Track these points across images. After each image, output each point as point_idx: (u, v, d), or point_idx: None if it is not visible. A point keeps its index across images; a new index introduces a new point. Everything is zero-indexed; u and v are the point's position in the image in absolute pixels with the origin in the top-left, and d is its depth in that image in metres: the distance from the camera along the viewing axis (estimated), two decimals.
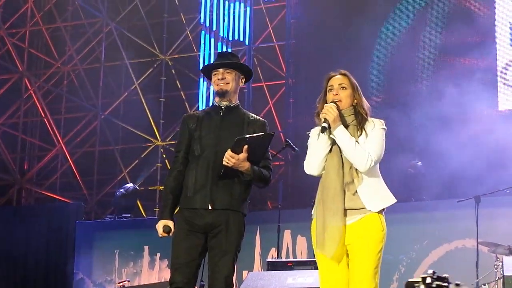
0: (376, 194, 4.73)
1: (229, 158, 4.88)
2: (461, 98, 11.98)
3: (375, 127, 4.87)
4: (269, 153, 5.25)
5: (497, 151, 11.93)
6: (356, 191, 4.67)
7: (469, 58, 12.48)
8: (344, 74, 4.93)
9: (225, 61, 5.30)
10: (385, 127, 4.95)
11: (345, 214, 4.63)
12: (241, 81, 5.33)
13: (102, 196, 15.04)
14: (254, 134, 5.09)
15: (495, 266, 8.68)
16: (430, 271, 3.06)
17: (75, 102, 15.79)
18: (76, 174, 15.31)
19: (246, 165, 4.94)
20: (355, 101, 4.87)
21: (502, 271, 7.59)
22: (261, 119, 5.37)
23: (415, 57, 13.15)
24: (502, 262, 7.76)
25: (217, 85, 5.17)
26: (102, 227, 13.24)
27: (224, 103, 5.16)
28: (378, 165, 4.84)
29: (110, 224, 13.18)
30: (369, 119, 4.93)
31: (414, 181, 12.11)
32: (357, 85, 4.98)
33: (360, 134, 4.81)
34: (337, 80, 4.86)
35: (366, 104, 4.97)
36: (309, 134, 4.79)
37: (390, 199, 4.77)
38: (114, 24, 15.29)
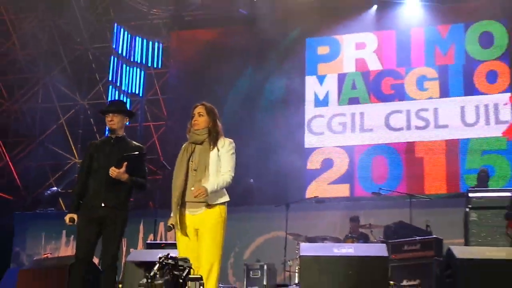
0: (215, 193, 5.16)
1: (112, 171, 5.67)
2: (280, 136, 13.38)
3: (225, 145, 5.33)
4: (146, 169, 5.95)
5: (300, 175, 13.66)
6: None
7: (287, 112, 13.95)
8: (202, 104, 5.47)
9: (113, 108, 6.05)
10: (234, 144, 5.38)
11: (194, 207, 5.18)
12: (126, 120, 6.04)
13: (34, 195, 15.31)
14: (130, 154, 5.83)
15: (296, 249, 9.28)
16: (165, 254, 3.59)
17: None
18: (18, 181, 15.83)
19: (125, 176, 5.70)
20: (210, 124, 5.37)
21: (300, 252, 7.60)
22: (140, 145, 6.11)
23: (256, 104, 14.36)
24: (300, 247, 7.88)
25: (108, 124, 6.01)
26: (33, 217, 13.70)
27: (113, 136, 5.98)
28: (222, 171, 5.26)
29: (39, 215, 13.69)
30: (221, 138, 5.38)
31: (249, 192, 13.40)
32: (213, 112, 5.44)
33: (213, 149, 5.28)
34: (197, 109, 5.43)
35: (219, 127, 5.41)
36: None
37: (225, 198, 5.25)
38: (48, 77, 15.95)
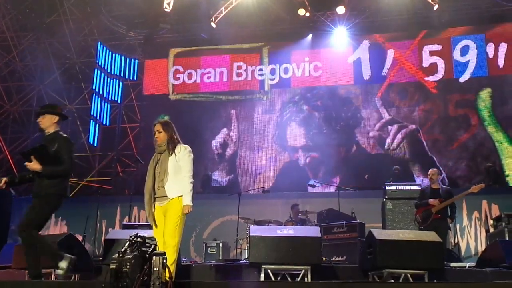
0: (175, 189, 5.31)
1: (27, 165, 5.56)
2: None
3: (181, 150, 5.46)
4: (65, 157, 5.52)
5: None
6: (164, 186, 5.34)
7: None
8: (159, 123, 5.60)
9: (40, 110, 5.85)
10: (189, 149, 5.51)
11: (161, 200, 5.33)
12: (54, 119, 5.71)
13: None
14: (24, 150, 5.97)
15: (246, 230, 9.28)
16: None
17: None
18: (15, 170, 14.97)
19: (37, 167, 5.48)
20: (167, 137, 5.51)
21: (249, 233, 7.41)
22: (63, 135, 5.68)
23: None
24: (249, 228, 7.75)
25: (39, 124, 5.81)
26: (28, 200, 12.52)
27: (44, 133, 5.76)
28: (180, 175, 5.36)
29: (31, 199, 14.15)
30: (178, 145, 5.49)
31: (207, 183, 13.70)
32: (168, 126, 5.54)
33: (171, 155, 5.43)
34: (156, 127, 5.60)
35: (175, 137, 5.52)
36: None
37: (182, 191, 5.31)
38: (42, 85, 15.66)
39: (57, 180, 5.57)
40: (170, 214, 5.26)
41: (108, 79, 15.64)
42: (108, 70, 15.65)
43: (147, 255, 3.08)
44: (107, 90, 15.62)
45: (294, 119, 14.18)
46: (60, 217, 12.78)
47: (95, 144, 15.37)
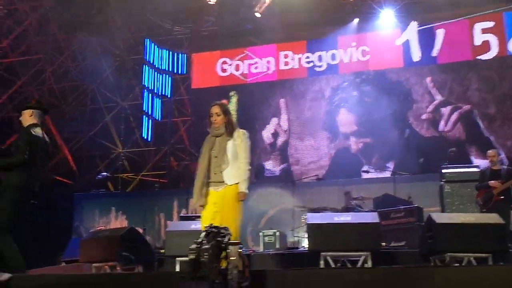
0: (233, 175, 5.23)
1: None
2: None
3: (240, 136, 5.34)
4: (20, 146, 5.49)
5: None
6: (221, 172, 5.24)
7: None
8: (218, 105, 5.43)
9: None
10: (247, 134, 5.38)
11: (217, 185, 5.24)
12: (32, 114, 5.71)
13: (88, 179, 15.28)
14: None
15: (303, 218, 9.46)
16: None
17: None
18: (74, 169, 15.83)
19: None
20: (226, 120, 5.37)
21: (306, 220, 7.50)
22: (25, 127, 5.67)
23: None
24: (306, 216, 7.88)
25: None
26: (89, 197, 13.78)
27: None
28: (238, 161, 5.24)
29: (93, 195, 13.77)
30: (236, 130, 5.36)
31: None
32: (227, 110, 5.44)
33: (229, 139, 5.30)
34: (213, 109, 5.40)
35: (233, 121, 5.41)
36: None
37: (239, 179, 5.21)
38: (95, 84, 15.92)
39: (16, 172, 5.46)
40: (228, 201, 5.16)
41: (158, 74, 15.83)
42: (157, 66, 15.81)
43: (223, 245, 3.12)
44: (157, 86, 15.82)
45: (344, 105, 14.08)
46: (121, 211, 13.10)
47: (149, 139, 15.68)
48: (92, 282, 4.49)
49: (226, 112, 5.40)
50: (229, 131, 5.33)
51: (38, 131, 5.71)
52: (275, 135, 14.37)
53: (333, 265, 6.98)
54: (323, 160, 13.82)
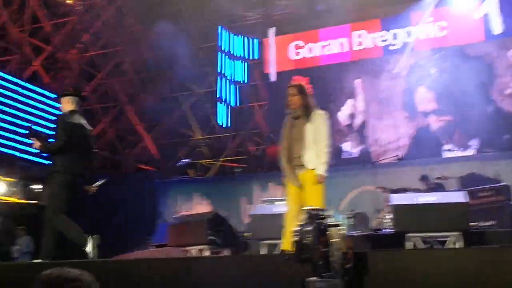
0: (313, 158, 5.18)
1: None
2: None
3: (318, 117, 5.22)
4: (58, 135, 5.70)
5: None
6: (301, 155, 5.21)
7: None
8: (293, 86, 5.30)
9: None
10: (327, 115, 5.30)
11: (298, 169, 5.25)
12: (69, 101, 5.89)
13: (170, 166, 15.76)
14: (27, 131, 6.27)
15: (385, 200, 9.24)
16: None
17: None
18: (156, 156, 16.37)
19: (37, 145, 5.75)
20: (302, 101, 5.26)
21: (390, 201, 7.31)
22: (60, 115, 5.95)
23: None
24: (390, 197, 7.55)
25: None
26: (171, 183, 14.18)
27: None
28: (317, 144, 5.15)
29: (175, 181, 14.21)
30: (314, 111, 5.23)
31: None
32: (303, 90, 5.26)
33: (308, 122, 5.19)
34: (289, 90, 5.35)
35: (310, 102, 5.26)
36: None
37: (319, 161, 5.17)
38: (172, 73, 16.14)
39: (58, 158, 5.70)
40: (309, 184, 5.12)
41: (232, 60, 15.96)
42: (231, 52, 15.94)
43: (324, 227, 3.15)
44: (232, 72, 15.96)
45: (422, 83, 13.65)
46: (203, 197, 13.36)
47: (226, 125, 15.88)
48: (184, 265, 4.57)
49: (302, 92, 5.29)
50: (307, 113, 5.23)
51: (76, 118, 5.87)
52: (352, 116, 14.18)
53: (420, 246, 6.81)
54: (402, 140, 13.51)
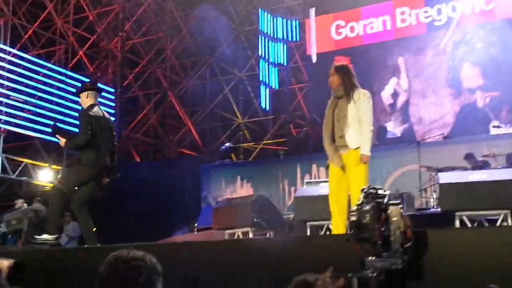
0: (356, 138, 5.09)
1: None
2: None
3: (360, 97, 5.11)
4: (81, 128, 5.80)
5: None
6: (344, 136, 5.12)
7: None
8: (335, 66, 5.29)
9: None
10: (369, 94, 5.18)
11: (341, 149, 5.15)
12: (88, 95, 5.98)
13: (213, 151, 15.98)
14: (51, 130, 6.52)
15: (430, 179, 9.29)
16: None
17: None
18: (199, 141, 16.69)
19: (62, 142, 5.96)
20: (343, 81, 5.17)
21: (437, 180, 7.17)
22: (81, 110, 6.01)
23: None
24: (438, 176, 7.39)
25: None
26: (214, 167, 14.01)
27: None
28: (360, 123, 5.07)
29: (218, 165, 14.00)
30: (356, 91, 5.13)
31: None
32: (343, 70, 5.22)
33: (349, 102, 5.12)
34: (330, 71, 5.30)
35: (352, 82, 5.18)
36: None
37: (362, 141, 5.08)
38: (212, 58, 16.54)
39: (84, 152, 5.76)
40: (352, 164, 5.06)
41: (272, 43, 15.85)
42: (271, 35, 15.83)
43: (383, 206, 3.04)
44: (273, 54, 15.84)
45: (468, 59, 13.21)
46: (245, 180, 13.29)
47: (267, 108, 15.84)
48: (232, 247, 4.58)
49: (341, 72, 5.23)
50: (349, 92, 5.15)
51: (96, 111, 5.91)
52: (395, 95, 13.87)
53: (469, 225, 6.62)
54: (447, 118, 13.18)
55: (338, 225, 5.01)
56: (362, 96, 5.14)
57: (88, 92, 5.96)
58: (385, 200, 3.07)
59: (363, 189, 3.16)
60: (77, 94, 6.19)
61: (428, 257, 3.37)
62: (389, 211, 3.02)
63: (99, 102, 6.19)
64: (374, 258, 2.95)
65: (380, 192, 3.12)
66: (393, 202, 3.11)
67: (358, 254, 3.00)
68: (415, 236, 3.14)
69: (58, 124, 6.58)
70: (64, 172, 6.35)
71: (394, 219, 3.03)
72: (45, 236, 5.64)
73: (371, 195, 3.07)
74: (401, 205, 3.14)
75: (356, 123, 5.08)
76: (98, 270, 2.01)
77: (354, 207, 3.13)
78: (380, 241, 2.95)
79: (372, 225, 2.93)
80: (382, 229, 2.97)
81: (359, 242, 3.01)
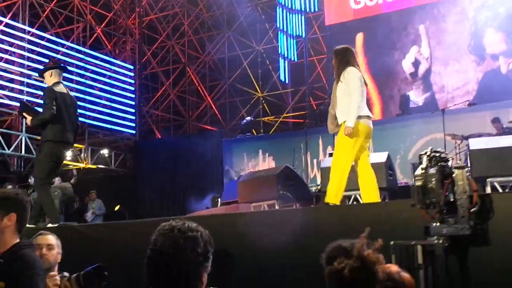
0: (343, 113, 5.20)
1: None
2: None
3: (346, 74, 5.21)
4: (47, 104, 5.75)
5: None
6: (336, 114, 5.32)
7: None
8: (334, 50, 5.50)
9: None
10: (354, 70, 5.23)
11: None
12: (51, 74, 5.95)
13: (233, 125, 16.21)
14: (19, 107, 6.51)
15: (455, 147, 9.05)
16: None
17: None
18: (219, 116, 16.69)
19: (29, 120, 5.91)
20: (334, 63, 5.38)
21: (467, 147, 7.23)
22: (47, 87, 5.94)
23: None
24: (468, 143, 7.36)
25: None
26: (235, 141, 14.05)
27: None
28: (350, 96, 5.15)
29: (240, 139, 14.07)
30: (346, 69, 5.21)
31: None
32: (337, 53, 5.38)
33: (338, 83, 5.26)
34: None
35: (342, 63, 5.29)
36: None
37: (347, 115, 5.14)
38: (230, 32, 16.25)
39: (49, 128, 5.74)
40: (339, 138, 5.27)
41: (290, 15, 15.65)
42: (289, 6, 15.57)
43: (448, 170, 2.89)
44: (291, 26, 15.66)
45: (491, 24, 12.80)
46: (267, 153, 13.19)
47: (286, 81, 15.61)
48: (260, 219, 4.52)
49: (338, 55, 5.37)
50: (338, 73, 5.29)
51: (60, 88, 5.93)
52: (416, 63, 13.53)
53: (500, 191, 6.32)
54: (470, 85, 12.88)
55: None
56: (349, 73, 5.22)
57: (51, 71, 5.99)
58: (449, 163, 2.95)
59: (425, 152, 3.08)
60: (40, 76, 6.22)
61: (493, 222, 3.19)
62: (454, 175, 2.87)
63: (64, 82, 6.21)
64: (439, 224, 2.82)
65: (443, 155, 3.01)
66: (459, 165, 2.90)
67: (423, 220, 2.87)
68: (482, 200, 2.98)
69: (25, 101, 6.37)
70: (35, 163, 6.38)
71: (460, 183, 2.87)
72: (49, 225, 5.64)
73: (434, 159, 2.94)
74: (467, 169, 2.94)
75: (345, 100, 5.20)
76: (150, 238, 1.97)
77: (418, 172, 2.97)
78: (446, 206, 2.82)
79: (438, 189, 2.80)
80: (447, 193, 2.82)
81: (425, 207, 2.88)
